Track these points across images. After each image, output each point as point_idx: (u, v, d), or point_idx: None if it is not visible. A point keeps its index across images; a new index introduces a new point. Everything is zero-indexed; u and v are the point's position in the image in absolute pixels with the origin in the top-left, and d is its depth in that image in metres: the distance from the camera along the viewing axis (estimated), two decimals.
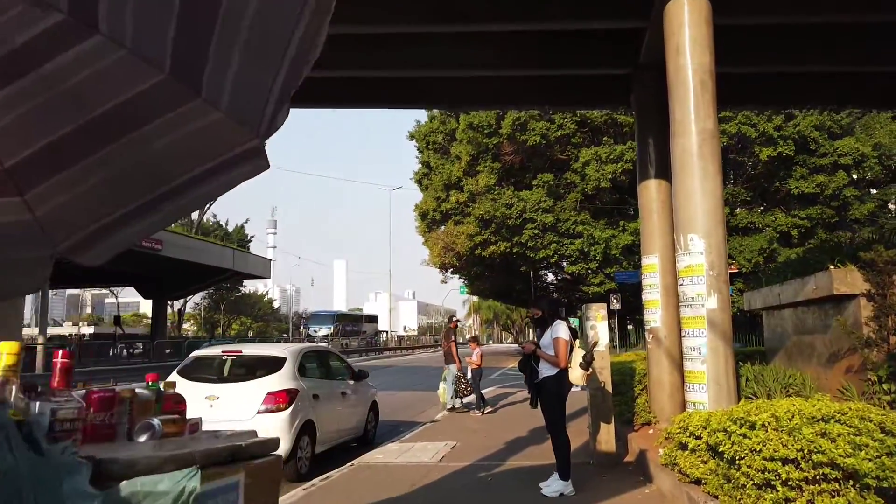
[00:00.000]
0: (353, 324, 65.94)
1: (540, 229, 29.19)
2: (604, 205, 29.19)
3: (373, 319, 75.83)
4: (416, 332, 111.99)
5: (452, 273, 42.86)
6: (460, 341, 13.12)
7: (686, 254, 5.82)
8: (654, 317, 8.32)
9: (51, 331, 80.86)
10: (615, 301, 29.91)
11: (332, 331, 58.24)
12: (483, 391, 13.85)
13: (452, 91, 9.89)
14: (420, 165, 38.39)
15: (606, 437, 6.89)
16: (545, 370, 5.88)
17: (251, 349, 8.12)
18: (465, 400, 12.75)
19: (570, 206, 29.78)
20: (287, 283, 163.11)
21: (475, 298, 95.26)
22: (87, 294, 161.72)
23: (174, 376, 7.58)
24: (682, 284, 5.86)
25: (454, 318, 13.36)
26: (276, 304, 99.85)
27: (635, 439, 7.47)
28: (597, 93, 10.23)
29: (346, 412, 8.85)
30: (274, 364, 7.59)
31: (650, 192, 8.62)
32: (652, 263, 8.44)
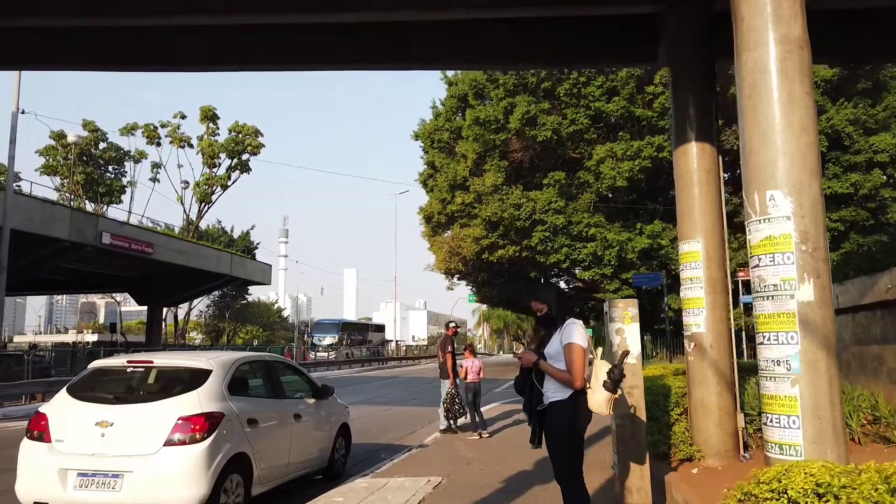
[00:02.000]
0: (359, 333, 64.13)
1: (551, 232, 27.21)
2: (620, 205, 27.16)
3: (380, 328, 74.05)
4: (425, 342, 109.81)
5: (458, 279, 40.93)
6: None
7: (763, 220, 3.92)
8: (697, 319, 6.39)
9: (56, 338, 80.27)
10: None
11: (336, 340, 56.39)
12: (483, 408, 11.90)
13: (427, 41, 7.96)
14: (425, 166, 36.61)
15: (639, 484, 4.97)
16: (553, 392, 3.98)
17: (167, 359, 6.26)
18: (460, 421, 10.85)
19: (582, 208, 27.80)
20: (297, 291, 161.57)
21: (484, 307, 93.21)
22: (101, 302, 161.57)
23: (62, 395, 5.75)
24: (757, 266, 3.95)
25: (452, 325, 11.43)
26: (285, 313, 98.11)
27: (676, 484, 5.53)
28: (613, 45, 8.24)
29: (302, 439, 6.97)
30: (194, 379, 5.74)
31: (689, 159, 6.71)
32: (693, 251, 6.53)
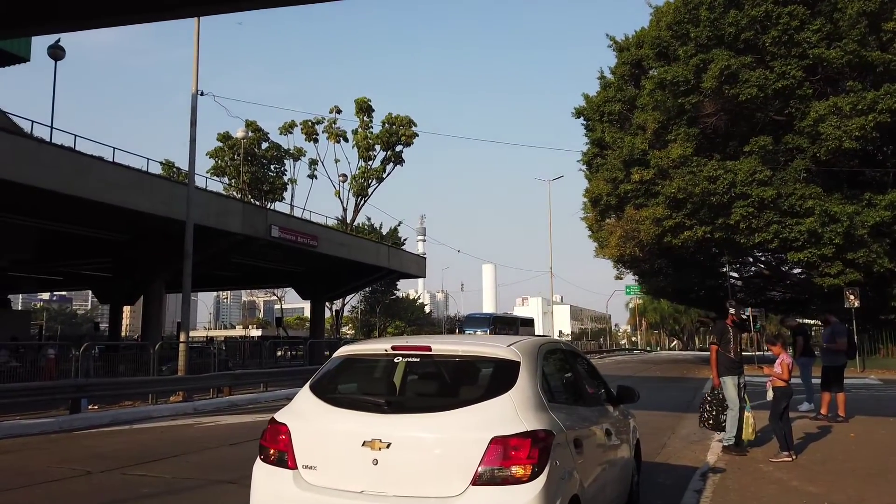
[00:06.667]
0: (510, 327, 62.07)
1: (755, 207, 23.28)
2: (848, 168, 22.63)
3: (528, 323, 71.54)
4: (569, 338, 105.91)
5: (627, 268, 37.52)
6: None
7: None
8: None
9: (224, 333, 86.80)
10: (852, 297, 23.31)
11: (488, 334, 54.78)
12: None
13: None
14: (589, 145, 33.67)
15: None
16: None
17: (445, 343, 4.15)
18: (722, 437, 8.11)
19: (791, 178, 23.59)
20: (436, 288, 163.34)
21: (639, 300, 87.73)
22: (260, 300, 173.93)
23: (306, 395, 3.89)
24: None
25: (731, 305, 8.71)
26: (426, 309, 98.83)
27: None
28: None
29: (614, 467, 4.74)
30: (496, 376, 3.69)
31: None
32: None
